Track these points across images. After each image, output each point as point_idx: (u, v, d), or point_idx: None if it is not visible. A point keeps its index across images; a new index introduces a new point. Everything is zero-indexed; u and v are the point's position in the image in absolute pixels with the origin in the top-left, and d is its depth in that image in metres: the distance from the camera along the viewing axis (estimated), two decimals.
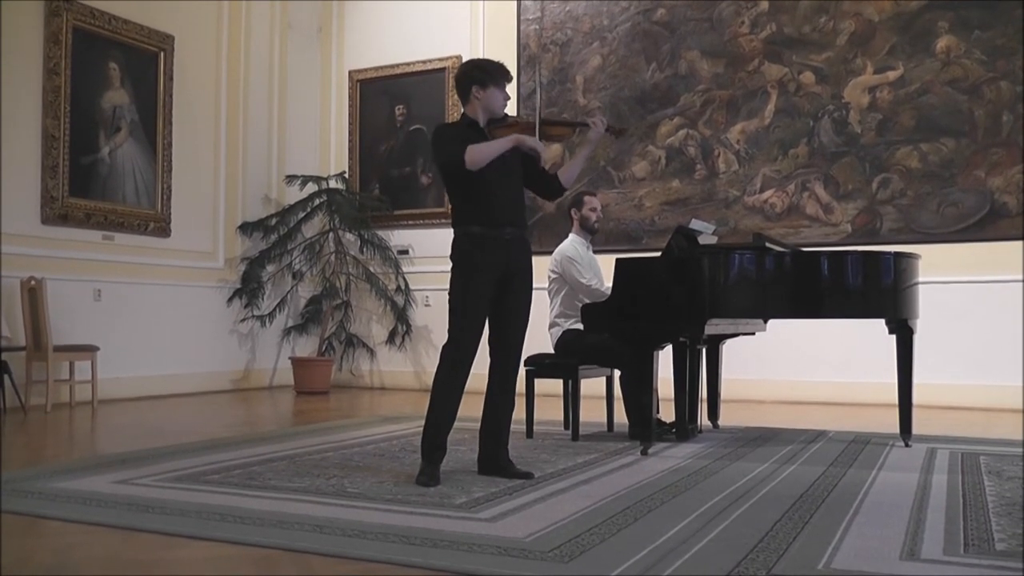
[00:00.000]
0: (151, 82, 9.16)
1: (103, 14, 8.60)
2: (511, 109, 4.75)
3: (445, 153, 4.45)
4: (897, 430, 5.67)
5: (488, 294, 4.46)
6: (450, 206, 4.61)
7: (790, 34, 8.95)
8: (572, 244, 6.25)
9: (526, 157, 4.60)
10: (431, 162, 9.54)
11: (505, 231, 4.48)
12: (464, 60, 4.73)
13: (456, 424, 4.53)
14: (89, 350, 7.92)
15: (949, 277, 8.07)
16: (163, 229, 9.23)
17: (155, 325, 9.04)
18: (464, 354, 4.44)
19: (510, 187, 4.55)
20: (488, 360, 4.62)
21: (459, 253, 4.50)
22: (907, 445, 5.59)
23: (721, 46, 9.21)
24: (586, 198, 6.37)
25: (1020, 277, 7.94)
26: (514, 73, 9.32)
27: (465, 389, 4.47)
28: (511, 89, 4.83)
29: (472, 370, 4.47)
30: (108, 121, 8.70)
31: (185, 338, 9.38)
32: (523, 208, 4.65)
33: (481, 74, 4.57)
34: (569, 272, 6.08)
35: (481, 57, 4.83)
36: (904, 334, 5.58)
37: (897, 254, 5.44)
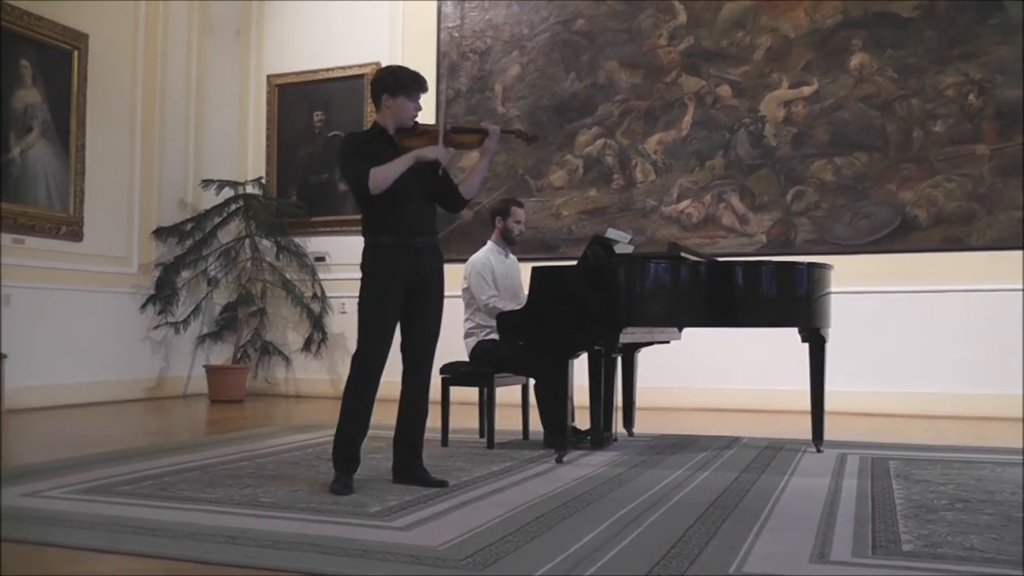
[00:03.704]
0: (64, 81, 8.94)
1: (15, 9, 8.36)
2: (429, 117, 4.70)
3: (350, 173, 4.46)
4: (809, 436, 5.75)
5: (398, 303, 4.45)
6: (360, 215, 4.57)
7: (708, 47, 9.06)
8: (486, 255, 6.24)
9: (443, 170, 4.57)
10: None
11: (416, 240, 4.47)
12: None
13: (371, 432, 4.51)
14: None
15: (861, 287, 8.22)
16: (76, 233, 9.02)
17: (66, 332, 8.82)
18: (374, 363, 4.43)
19: (421, 197, 4.51)
20: (400, 368, 4.59)
21: (369, 263, 4.48)
22: (819, 451, 5.68)
23: (640, 57, 9.28)
24: (514, 209, 6.34)
25: (933, 288, 8.19)
26: (433, 81, 9.35)
27: (376, 397, 4.46)
28: (430, 96, 4.78)
29: (385, 378, 4.46)
30: (19, 121, 8.45)
31: (97, 345, 9.17)
32: (434, 217, 4.63)
33: (393, 82, 4.54)
34: (474, 286, 6.10)
35: (399, 65, 4.79)
36: (816, 342, 5.67)
37: (810, 264, 5.53)
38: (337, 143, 8.65)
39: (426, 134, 4.56)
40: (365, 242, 4.53)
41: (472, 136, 4.71)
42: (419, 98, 4.59)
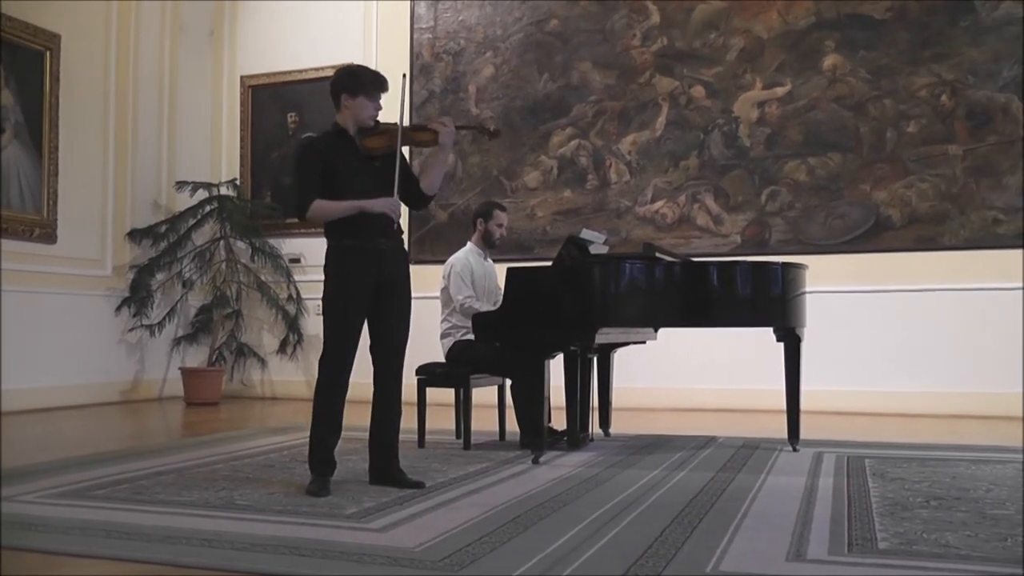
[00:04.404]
0: (37, 82, 8.85)
1: None
2: (390, 116, 4.66)
3: (297, 193, 4.47)
4: (785, 435, 5.78)
5: (363, 305, 4.43)
6: None
7: (681, 48, 9.08)
8: (466, 256, 6.22)
9: (402, 168, 4.53)
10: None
11: (378, 243, 4.44)
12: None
13: (347, 434, 4.50)
14: None
15: (835, 287, 8.26)
16: (49, 235, 8.93)
17: (40, 335, 8.73)
18: (342, 365, 4.42)
19: (383, 197, 4.48)
20: (372, 370, 4.57)
21: (332, 265, 4.47)
22: (795, 449, 5.69)
23: (613, 58, 9.29)
24: (497, 212, 6.33)
25: (906, 287, 8.25)
26: (408, 82, 9.33)
27: (347, 399, 4.44)
28: (395, 97, 4.75)
29: (359, 380, 4.44)
30: None
31: (71, 348, 9.09)
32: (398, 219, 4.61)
33: (352, 82, 4.52)
34: (452, 286, 6.08)
35: (358, 64, 4.78)
36: (791, 342, 5.69)
37: (785, 264, 5.55)
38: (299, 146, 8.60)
39: (387, 132, 4.54)
40: (328, 245, 4.52)
41: (429, 134, 4.68)
42: (379, 98, 4.57)
